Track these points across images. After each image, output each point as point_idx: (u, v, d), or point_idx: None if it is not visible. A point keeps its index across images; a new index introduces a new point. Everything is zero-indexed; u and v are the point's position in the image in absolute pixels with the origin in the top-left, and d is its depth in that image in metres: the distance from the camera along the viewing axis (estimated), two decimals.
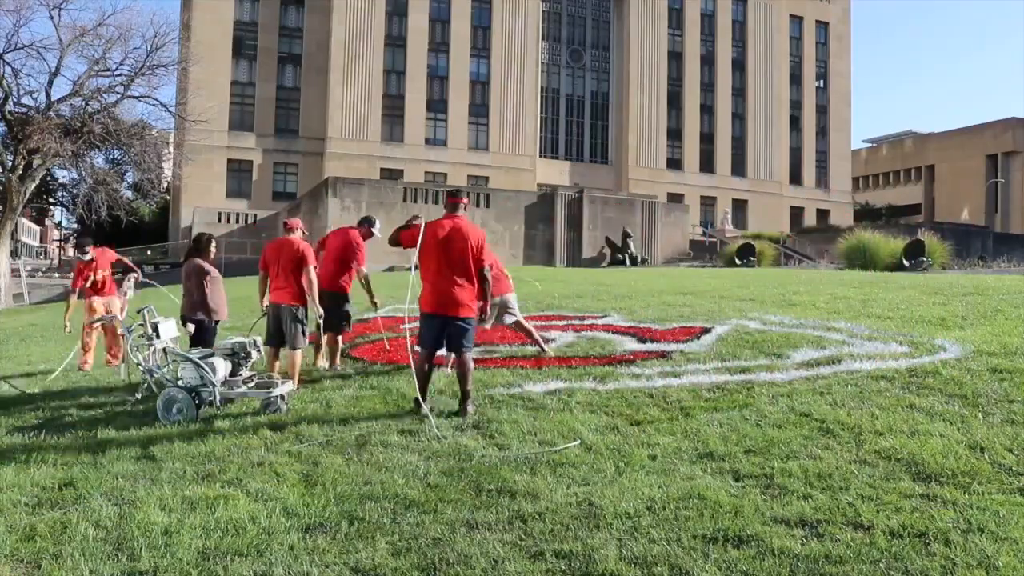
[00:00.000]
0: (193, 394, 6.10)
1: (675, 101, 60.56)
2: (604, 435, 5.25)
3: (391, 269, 30.06)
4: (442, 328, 6.09)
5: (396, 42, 53.04)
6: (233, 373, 6.42)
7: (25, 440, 5.65)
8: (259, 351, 6.68)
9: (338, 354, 8.00)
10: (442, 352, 6.50)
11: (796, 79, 65.65)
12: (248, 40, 51.19)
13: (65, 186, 46.99)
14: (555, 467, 4.66)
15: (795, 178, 64.92)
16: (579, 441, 5.08)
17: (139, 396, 6.61)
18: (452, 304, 6.02)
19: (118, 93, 29.41)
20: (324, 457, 5.00)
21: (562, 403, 6.09)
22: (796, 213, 63.80)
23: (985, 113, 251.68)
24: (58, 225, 77.92)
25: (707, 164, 61.33)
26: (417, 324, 10.43)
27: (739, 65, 62.83)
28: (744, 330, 8.84)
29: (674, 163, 60.17)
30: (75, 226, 62.27)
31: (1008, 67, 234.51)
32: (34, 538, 3.85)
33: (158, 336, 6.55)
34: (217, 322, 7.75)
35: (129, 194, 37.99)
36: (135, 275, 9.61)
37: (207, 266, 7.61)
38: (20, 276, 32.16)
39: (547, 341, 8.71)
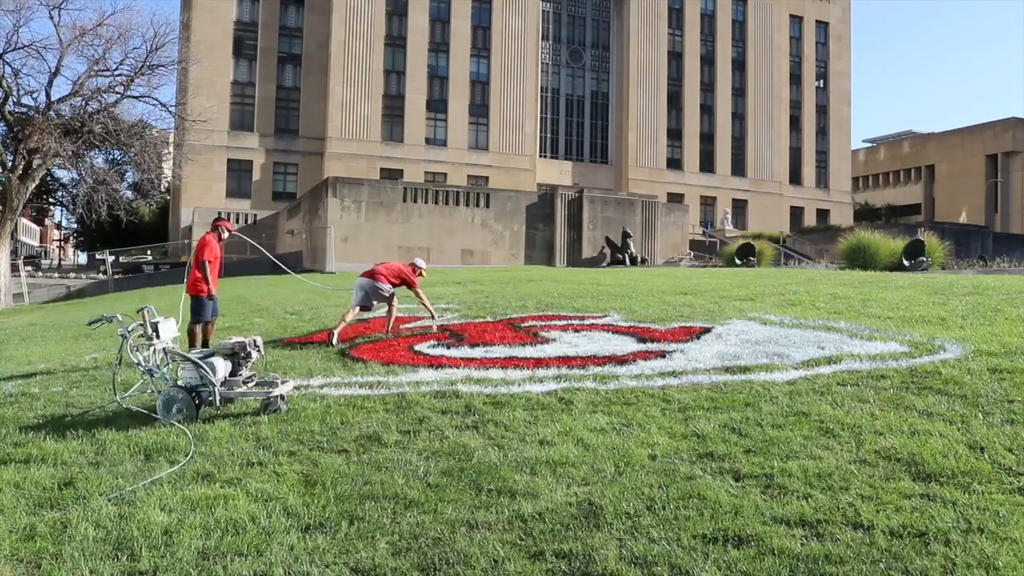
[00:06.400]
0: (193, 394, 6.10)
1: (675, 101, 60.57)
2: (604, 435, 5.25)
3: None
4: None
5: (396, 42, 53.04)
6: (233, 373, 6.42)
7: (25, 440, 5.65)
8: (259, 351, 6.67)
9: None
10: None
11: (796, 79, 65.66)
12: (248, 40, 51.18)
13: (65, 186, 46.98)
14: (555, 467, 4.66)
15: (795, 178, 64.94)
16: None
17: (120, 400, 6.56)
18: None
19: (118, 93, 29.42)
20: (324, 457, 5.00)
21: (562, 403, 6.10)
22: (796, 213, 63.82)
23: (985, 113, 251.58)
24: (58, 225, 77.93)
25: (707, 164, 61.33)
26: (418, 324, 10.52)
27: (739, 65, 62.83)
28: (744, 330, 8.85)
29: (674, 163, 60.18)
30: (75, 226, 62.31)
31: (1008, 67, 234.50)
32: (34, 538, 3.85)
33: (158, 336, 6.54)
34: None
35: (129, 194, 37.97)
36: None
37: None
38: (20, 275, 32.15)
39: (548, 341, 8.72)
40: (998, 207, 71.76)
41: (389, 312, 10.04)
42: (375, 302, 9.99)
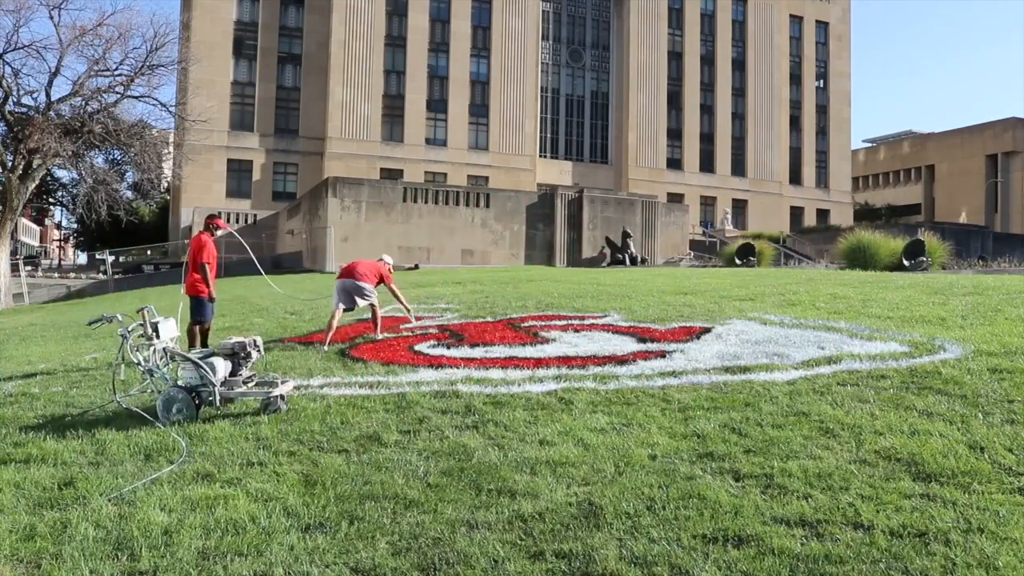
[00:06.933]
0: (193, 394, 6.10)
1: (675, 101, 60.57)
2: (604, 435, 5.25)
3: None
4: None
5: (396, 42, 53.03)
6: (233, 373, 6.42)
7: (25, 440, 5.65)
8: (259, 351, 6.67)
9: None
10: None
11: (796, 79, 65.67)
12: (248, 40, 51.17)
13: (65, 186, 47.03)
14: (555, 467, 4.66)
15: (795, 178, 64.94)
16: None
17: (120, 401, 6.57)
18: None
19: (118, 93, 29.41)
20: (324, 457, 5.00)
21: (562, 403, 6.09)
22: (796, 213, 63.83)
23: (985, 113, 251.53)
24: (58, 225, 77.92)
25: (707, 164, 61.33)
26: (419, 324, 10.52)
27: (739, 65, 62.84)
28: (744, 330, 8.85)
29: (674, 163, 60.18)
30: (75, 226, 62.31)
31: (1008, 67, 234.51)
32: (34, 538, 3.85)
33: (158, 336, 6.54)
34: None
35: (129, 194, 37.96)
36: None
37: None
38: (20, 275, 32.12)
39: (548, 341, 8.72)
40: (998, 207, 71.76)
41: (375, 315, 9.82)
42: (360, 302, 9.72)
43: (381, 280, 10.00)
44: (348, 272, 9.87)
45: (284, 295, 13.44)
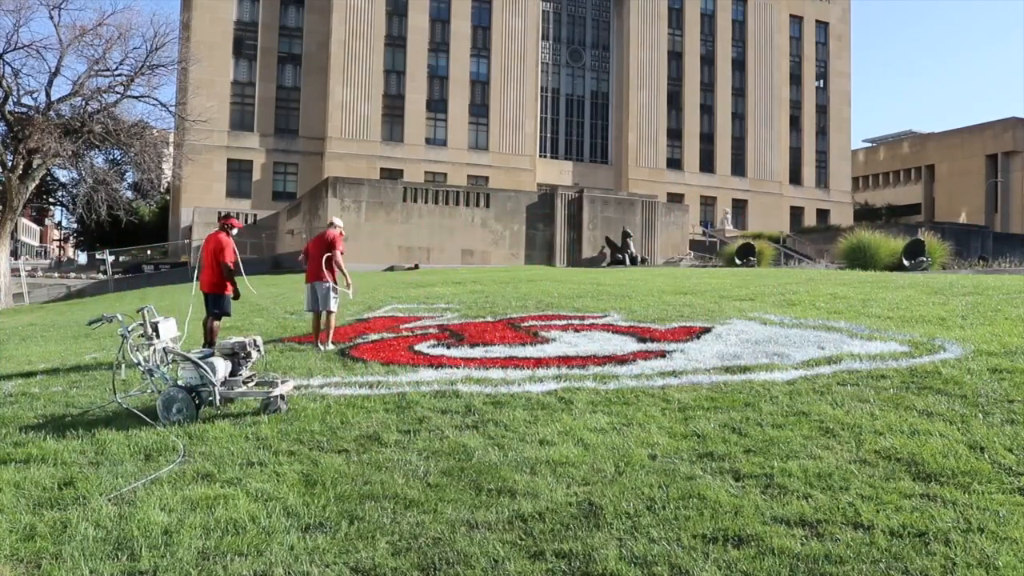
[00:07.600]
0: (193, 394, 6.10)
1: (675, 101, 60.56)
2: (604, 435, 5.25)
3: (391, 269, 30.08)
4: None
5: (396, 42, 53.03)
6: (233, 373, 6.42)
7: (25, 440, 5.65)
8: (259, 351, 6.67)
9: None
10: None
11: (796, 79, 65.65)
12: (248, 40, 51.16)
13: (65, 186, 46.97)
14: (555, 467, 4.66)
15: (795, 178, 64.93)
16: None
17: (120, 401, 6.57)
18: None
19: (118, 93, 29.40)
20: (324, 457, 5.00)
21: (562, 403, 6.09)
22: (796, 213, 63.82)
23: (985, 113, 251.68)
24: (58, 225, 77.95)
25: (707, 164, 61.32)
26: (417, 324, 10.52)
27: (739, 65, 62.82)
28: (744, 330, 8.85)
29: (674, 163, 60.16)
30: (75, 226, 62.32)
31: (1008, 67, 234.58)
32: (34, 538, 3.85)
33: (158, 336, 6.54)
34: None
35: (129, 194, 37.96)
36: None
37: None
38: (20, 276, 32.12)
39: (548, 341, 8.72)
40: (998, 207, 71.73)
41: (328, 323, 9.35)
42: (322, 305, 9.29)
43: (331, 248, 9.47)
44: (313, 274, 9.44)
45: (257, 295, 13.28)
